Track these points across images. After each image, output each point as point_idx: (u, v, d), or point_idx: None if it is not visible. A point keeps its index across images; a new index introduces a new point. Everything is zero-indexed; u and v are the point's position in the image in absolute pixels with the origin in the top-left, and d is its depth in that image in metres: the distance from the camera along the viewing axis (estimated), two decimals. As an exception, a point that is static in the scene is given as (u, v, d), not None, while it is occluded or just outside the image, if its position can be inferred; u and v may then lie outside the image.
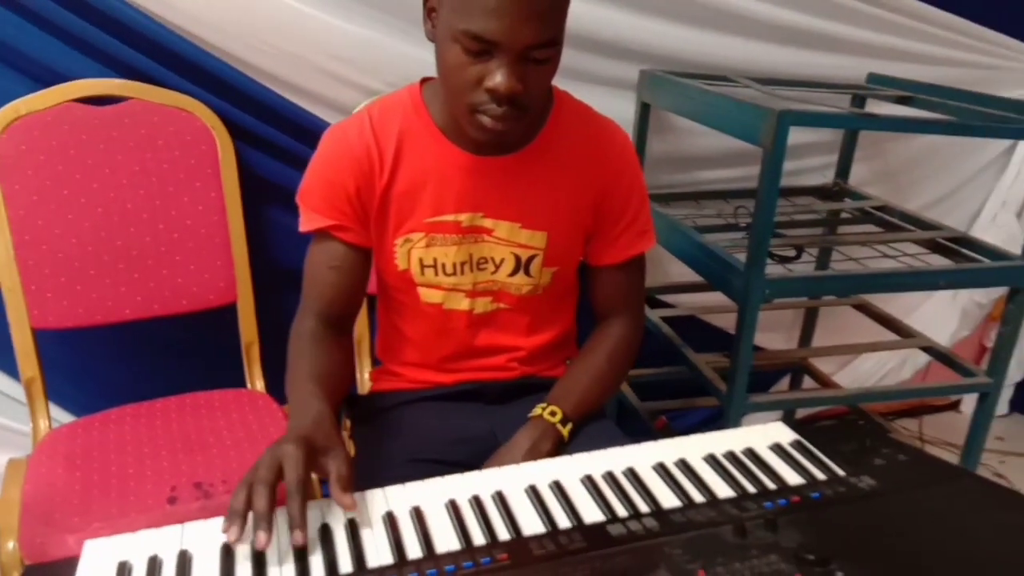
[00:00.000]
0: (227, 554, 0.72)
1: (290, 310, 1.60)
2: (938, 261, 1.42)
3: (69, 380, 1.49)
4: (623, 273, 1.10)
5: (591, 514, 0.78)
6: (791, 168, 1.77)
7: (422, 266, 1.04)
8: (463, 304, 1.06)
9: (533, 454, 0.97)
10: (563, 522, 0.77)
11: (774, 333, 2.00)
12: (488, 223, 1.02)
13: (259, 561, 0.71)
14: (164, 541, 0.75)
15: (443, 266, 1.03)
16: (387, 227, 1.03)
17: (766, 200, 1.20)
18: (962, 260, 1.41)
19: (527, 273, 1.05)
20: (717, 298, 1.45)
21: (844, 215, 1.69)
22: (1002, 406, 2.27)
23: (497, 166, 1.00)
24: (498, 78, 0.86)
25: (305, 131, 1.47)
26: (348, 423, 1.25)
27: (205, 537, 0.75)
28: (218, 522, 0.77)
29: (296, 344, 1.02)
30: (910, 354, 2.08)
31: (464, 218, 1.02)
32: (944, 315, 2.07)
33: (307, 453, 0.79)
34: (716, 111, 1.34)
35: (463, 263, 1.03)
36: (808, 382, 1.94)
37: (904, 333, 1.62)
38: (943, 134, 1.76)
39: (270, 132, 1.47)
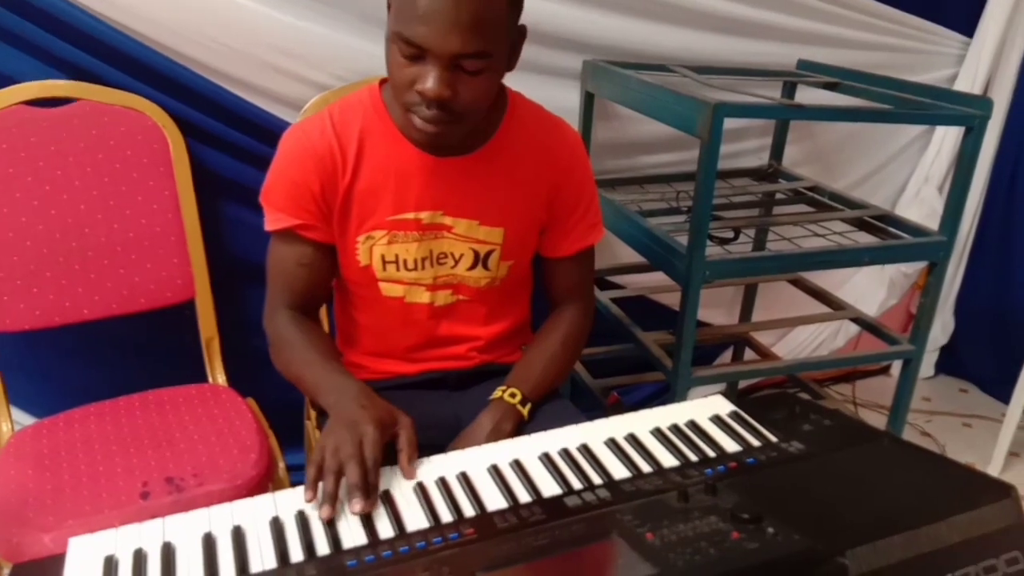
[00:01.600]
0: (208, 544, 0.77)
1: (249, 304, 1.63)
2: (864, 238, 1.52)
3: (29, 382, 1.49)
4: (575, 264, 1.16)
5: (549, 488, 0.85)
6: (728, 151, 1.86)
7: (384, 262, 1.08)
8: (424, 297, 1.11)
9: (496, 435, 1.03)
10: (524, 497, 0.84)
11: (716, 309, 2.10)
12: (448, 220, 1.07)
13: (240, 546, 0.76)
14: (147, 535, 0.79)
15: (404, 262, 1.08)
16: (349, 225, 1.07)
17: (704, 186, 1.27)
18: (886, 237, 1.51)
19: (485, 267, 1.11)
20: (663, 278, 1.53)
21: (779, 196, 1.78)
22: (929, 369, 2.43)
23: (455, 166, 1.05)
24: (428, 83, 0.90)
25: (256, 127, 1.49)
26: (314, 414, 1.29)
27: (186, 529, 0.79)
28: (198, 515, 0.81)
29: (283, 335, 1.06)
30: (843, 324, 2.20)
31: (425, 216, 1.06)
32: (873, 286, 2.19)
33: (383, 433, 0.88)
34: (656, 102, 1.40)
35: (424, 259, 1.08)
36: (749, 354, 2.04)
37: (835, 306, 1.73)
38: (866, 122, 1.87)
39: (221, 128, 1.48)
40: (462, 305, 1.14)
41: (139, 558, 0.75)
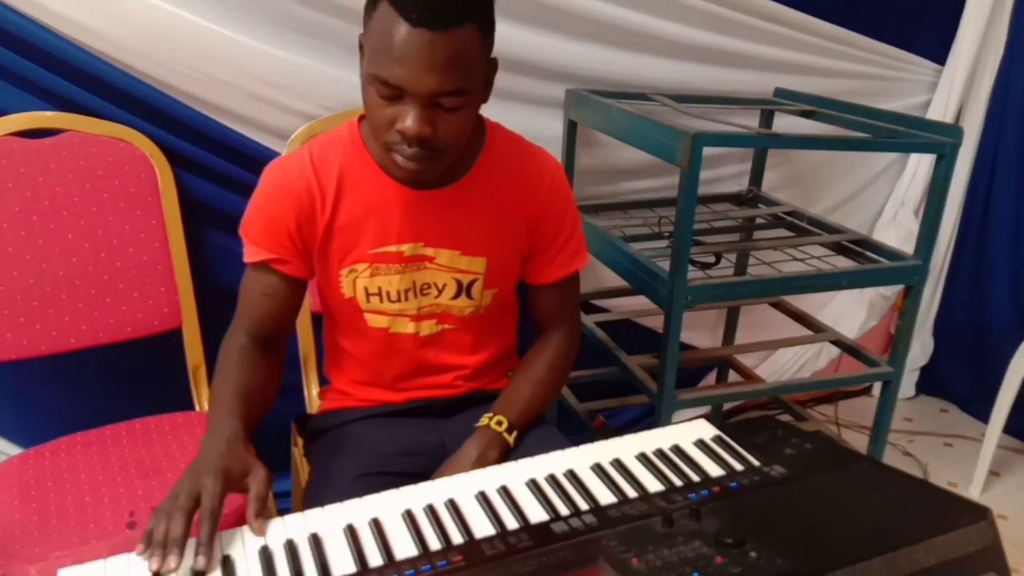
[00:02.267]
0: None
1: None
2: (842, 262, 1.55)
3: (14, 411, 1.49)
4: (559, 290, 1.18)
5: (536, 514, 0.86)
6: (709, 177, 1.90)
7: (367, 294, 1.10)
8: (408, 328, 1.13)
9: (481, 462, 1.04)
10: (511, 523, 0.85)
11: (700, 331, 2.13)
12: (430, 251, 1.09)
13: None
14: (135, 566, 0.79)
15: (387, 294, 1.10)
16: (331, 259, 1.08)
17: (685, 213, 1.30)
18: (863, 261, 1.55)
19: (469, 296, 1.12)
20: (647, 301, 1.56)
21: (759, 220, 1.82)
22: (909, 389, 2.46)
23: (435, 198, 1.07)
24: (408, 122, 0.92)
25: (243, 156, 1.51)
26: (301, 441, 1.29)
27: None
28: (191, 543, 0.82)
29: (224, 359, 1.06)
30: (824, 346, 2.24)
31: (406, 248, 1.08)
32: (853, 308, 2.23)
33: (224, 484, 0.85)
34: (637, 131, 1.44)
35: (407, 290, 1.10)
36: (733, 376, 2.07)
37: (816, 328, 1.76)
38: (842, 150, 1.92)
39: (208, 158, 1.50)
40: (448, 334, 1.15)
41: (129, 591, 0.75)
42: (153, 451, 1.30)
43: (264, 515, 0.85)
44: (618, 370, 1.56)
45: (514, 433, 1.10)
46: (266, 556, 0.80)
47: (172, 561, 0.78)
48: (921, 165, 2.14)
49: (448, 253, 1.09)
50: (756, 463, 0.95)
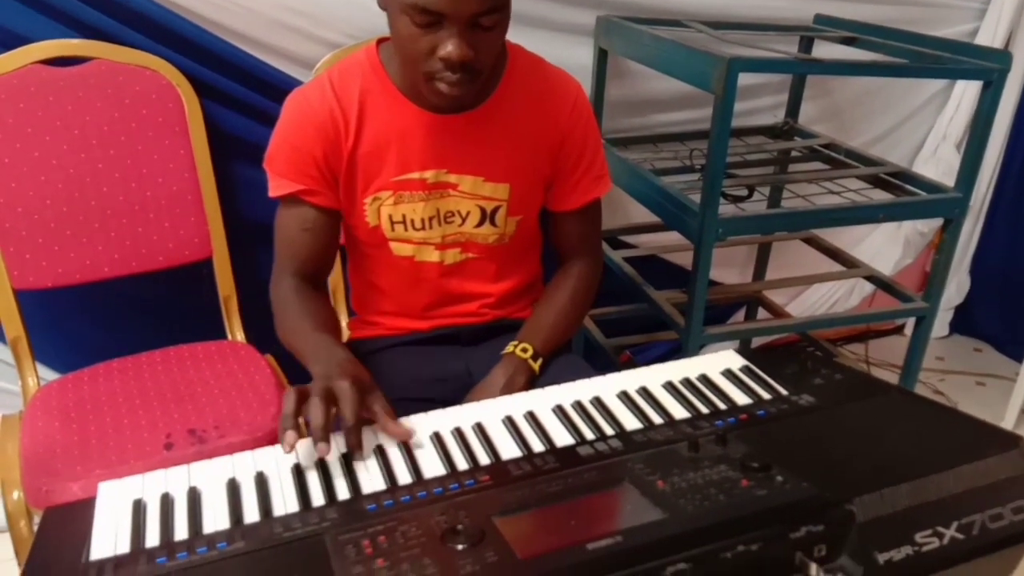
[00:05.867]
0: (232, 489, 0.79)
1: (265, 263, 1.64)
2: (879, 195, 1.51)
3: (51, 340, 1.53)
4: (581, 217, 1.17)
5: (562, 439, 0.87)
6: (743, 109, 1.84)
7: (391, 222, 1.09)
8: (433, 256, 1.12)
9: (509, 388, 1.05)
10: (537, 447, 0.86)
11: (729, 268, 2.10)
12: (453, 178, 1.08)
13: (263, 491, 0.79)
14: (173, 481, 0.81)
15: (412, 222, 1.09)
16: (356, 187, 1.08)
17: (717, 143, 1.26)
18: (901, 194, 1.51)
19: (493, 223, 1.12)
20: (675, 237, 1.53)
21: (794, 153, 1.77)
22: (943, 328, 2.42)
23: (457, 123, 1.05)
24: (449, 47, 0.90)
25: (269, 86, 1.49)
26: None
27: (210, 476, 0.82)
28: (221, 462, 0.84)
29: (283, 304, 1.07)
30: (857, 283, 2.20)
31: (429, 175, 1.07)
32: (888, 245, 2.18)
33: (359, 392, 0.86)
34: (669, 58, 1.39)
35: (431, 218, 1.09)
36: (762, 314, 2.05)
37: (849, 264, 1.73)
38: (884, 76, 1.84)
39: (234, 88, 1.49)
40: (472, 263, 1.15)
41: (166, 502, 0.78)
42: (187, 378, 1.33)
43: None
44: (646, 306, 1.55)
45: (539, 360, 1.10)
46: (298, 472, 0.82)
47: (322, 447, 0.80)
48: (965, 97, 2.06)
49: (471, 179, 1.08)
50: (784, 392, 0.94)
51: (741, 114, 1.84)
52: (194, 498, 0.78)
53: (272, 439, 1.19)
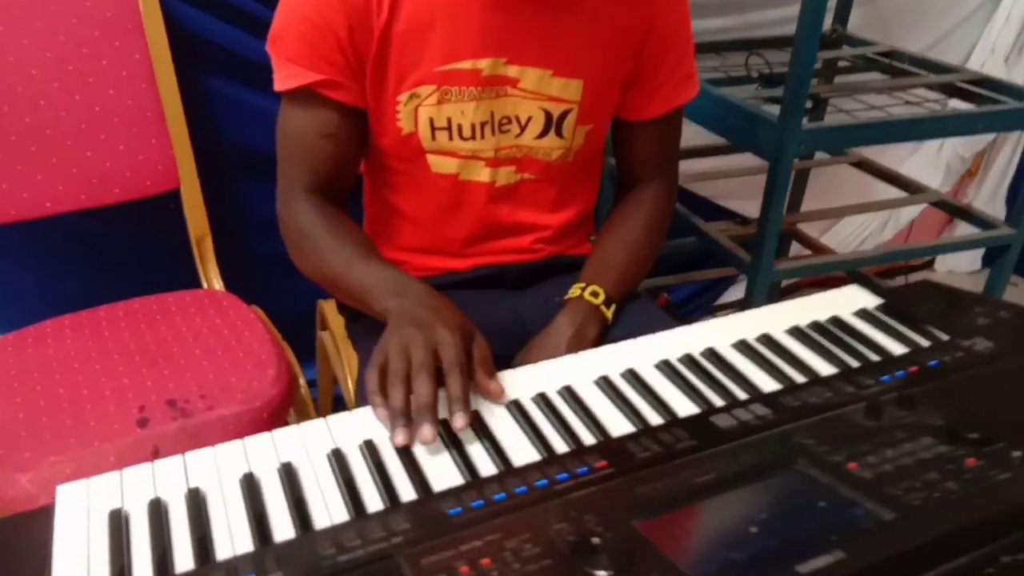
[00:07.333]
0: (251, 490, 0.57)
1: (242, 197, 1.39)
2: (962, 105, 1.31)
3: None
4: (663, 128, 0.94)
5: (683, 406, 0.66)
6: (786, 16, 1.62)
7: (433, 128, 0.85)
8: (483, 175, 0.89)
9: (579, 341, 0.83)
10: (653, 417, 0.65)
11: (756, 200, 1.90)
12: (513, 71, 0.83)
13: (295, 491, 0.56)
14: (163, 478, 0.59)
15: (459, 128, 0.85)
16: (387, 79, 0.82)
17: (806, 44, 1.05)
18: (983, 103, 1.31)
19: (559, 134, 0.88)
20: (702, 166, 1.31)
21: (842, 63, 1.56)
22: (975, 262, 2.26)
23: (521, 3, 0.81)
24: None
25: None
26: (339, 322, 1.08)
27: (215, 469, 0.59)
28: (228, 450, 0.61)
29: (306, 227, 0.84)
30: (892, 215, 2.03)
31: (484, 65, 0.82)
32: (928, 170, 2.00)
33: (464, 339, 0.68)
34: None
35: (483, 124, 0.85)
36: (796, 249, 1.86)
37: (913, 188, 1.53)
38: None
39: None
40: (527, 186, 0.92)
41: (157, 512, 0.55)
42: (159, 335, 1.08)
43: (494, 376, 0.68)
44: (694, 240, 1.33)
45: (612, 307, 0.88)
46: (339, 460, 0.60)
47: (427, 431, 0.60)
48: (1016, 6, 1.86)
49: (536, 73, 0.84)
50: (945, 337, 0.74)
51: (785, 22, 1.62)
52: (197, 505, 0.56)
53: (275, 410, 0.97)
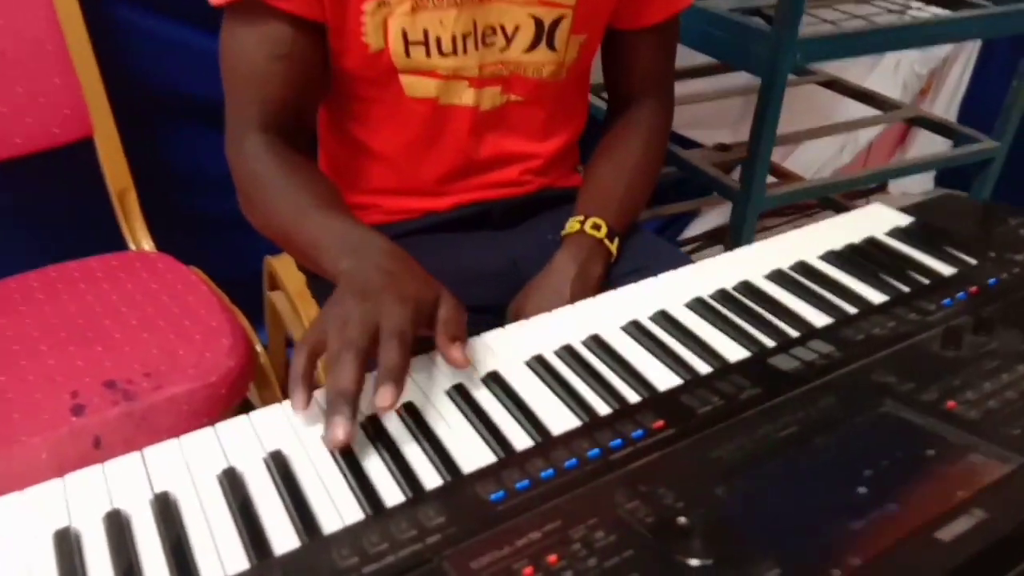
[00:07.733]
0: (237, 492, 0.46)
1: (166, 144, 1.23)
2: (941, 12, 1.24)
3: None
4: (661, 37, 0.83)
5: (729, 349, 0.57)
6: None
7: (406, 43, 0.71)
8: (466, 97, 0.76)
9: (583, 280, 0.74)
10: (700, 365, 0.56)
11: (720, 129, 1.82)
12: None
13: (291, 485, 0.45)
14: (122, 483, 0.47)
15: (438, 41, 0.72)
16: None
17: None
18: (963, 7, 1.24)
19: (550, 46, 0.76)
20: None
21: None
22: (928, 181, 2.24)
23: None
24: None
25: None
26: (298, 280, 0.95)
27: (186, 466, 0.48)
28: (197, 439, 0.50)
29: (256, 169, 0.70)
30: (848, 138, 1.98)
31: None
32: (888, 88, 1.95)
33: (415, 311, 0.54)
34: None
35: (465, 35, 0.72)
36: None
37: (888, 106, 1.47)
38: None
39: None
40: (514, 109, 0.80)
41: (118, 527, 0.43)
42: (86, 306, 0.93)
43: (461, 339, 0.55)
44: (674, 170, 1.24)
45: (616, 240, 0.79)
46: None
47: (338, 428, 0.47)
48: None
49: (525, -28, 0.72)
50: (992, 254, 0.67)
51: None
52: (168, 515, 0.44)
53: (234, 384, 0.85)
